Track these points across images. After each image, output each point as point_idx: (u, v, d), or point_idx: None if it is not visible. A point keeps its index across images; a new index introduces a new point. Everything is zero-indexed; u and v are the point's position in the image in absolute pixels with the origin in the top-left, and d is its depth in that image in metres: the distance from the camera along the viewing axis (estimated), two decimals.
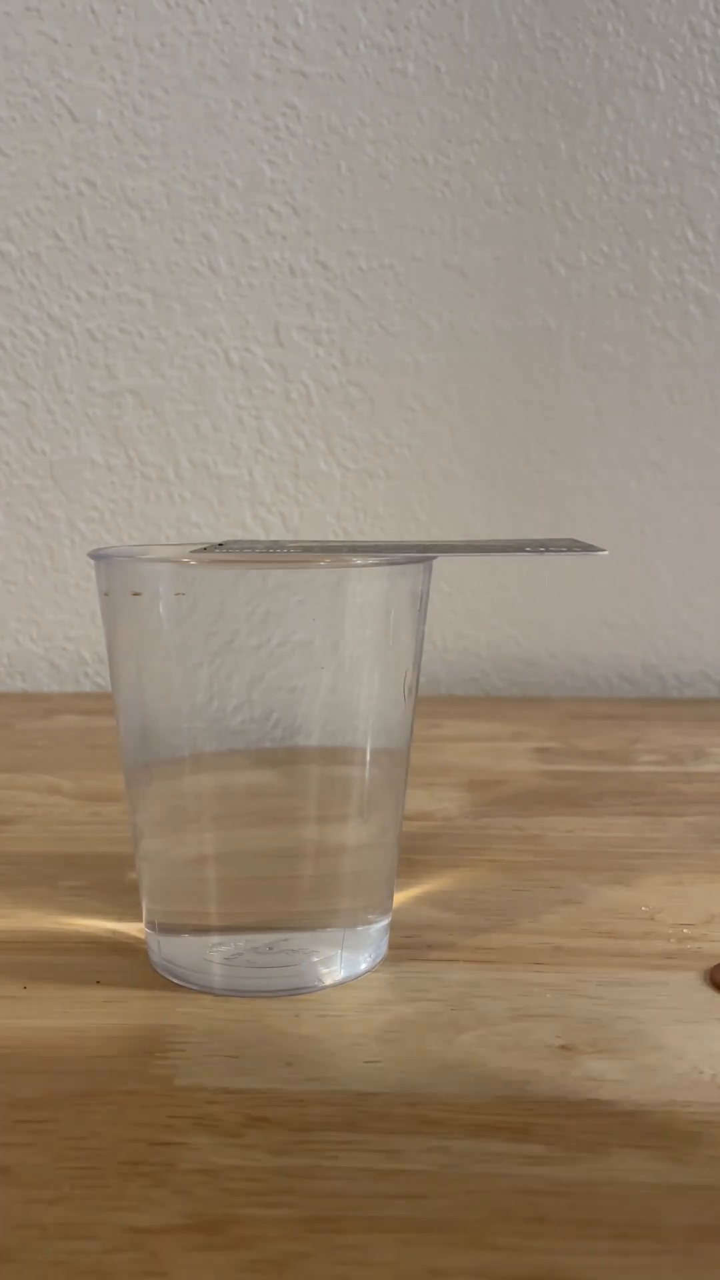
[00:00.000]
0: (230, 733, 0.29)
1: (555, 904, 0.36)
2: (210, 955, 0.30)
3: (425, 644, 0.31)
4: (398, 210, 0.69)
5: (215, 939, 0.30)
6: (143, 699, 0.30)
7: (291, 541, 0.32)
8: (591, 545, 0.30)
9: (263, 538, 0.72)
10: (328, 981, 0.30)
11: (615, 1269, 0.20)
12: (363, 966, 0.31)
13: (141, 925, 0.32)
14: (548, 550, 0.30)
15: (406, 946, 0.33)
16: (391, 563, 0.29)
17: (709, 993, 0.30)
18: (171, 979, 0.31)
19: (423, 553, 0.30)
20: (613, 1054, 0.27)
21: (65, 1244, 0.20)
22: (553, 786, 0.50)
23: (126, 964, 0.32)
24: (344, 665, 0.29)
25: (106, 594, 0.30)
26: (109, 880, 0.38)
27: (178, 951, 0.31)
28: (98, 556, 0.30)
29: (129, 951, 0.33)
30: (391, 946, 0.33)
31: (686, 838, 0.43)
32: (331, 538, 0.72)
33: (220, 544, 0.33)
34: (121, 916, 0.35)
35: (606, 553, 0.30)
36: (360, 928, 0.31)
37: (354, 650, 0.29)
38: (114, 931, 0.34)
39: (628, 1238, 0.21)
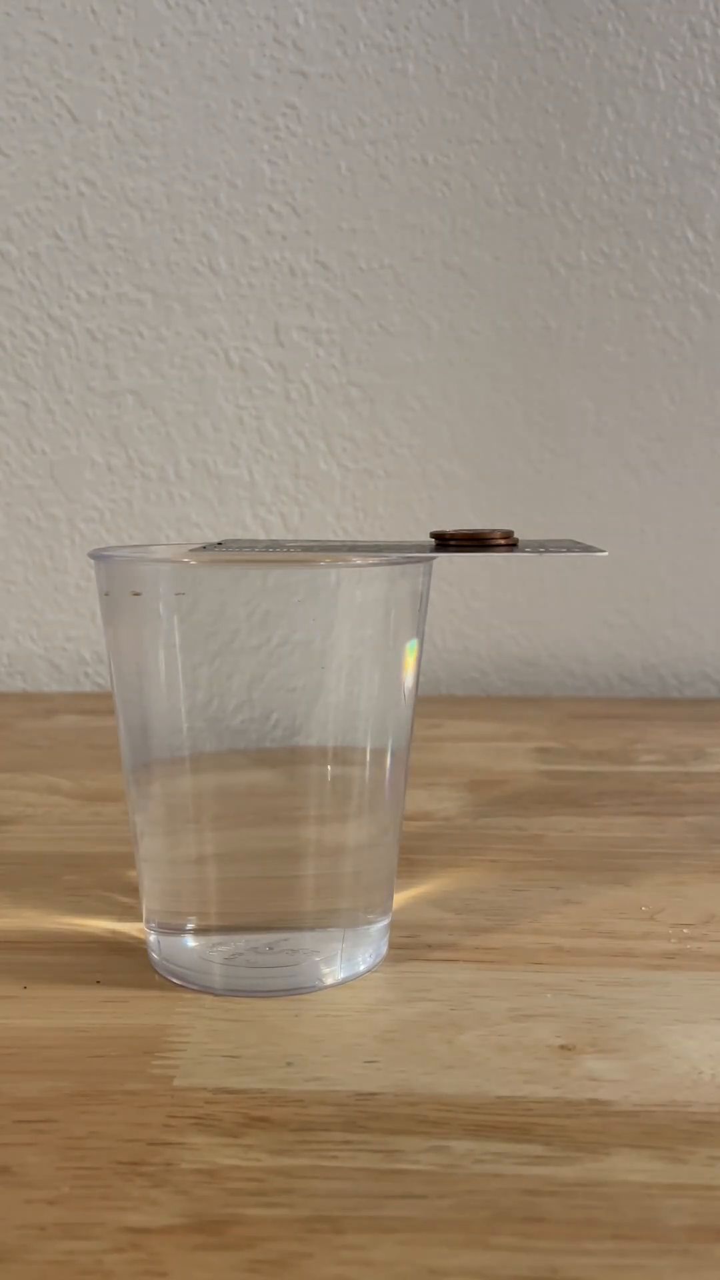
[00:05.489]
0: (230, 733, 0.29)
1: (555, 904, 0.36)
2: (210, 955, 0.30)
3: (425, 644, 0.31)
4: (398, 210, 0.69)
5: (215, 939, 0.30)
6: (143, 699, 0.30)
7: (291, 541, 0.32)
8: (591, 545, 0.30)
9: (263, 538, 0.72)
10: (328, 981, 0.30)
11: (615, 1269, 0.20)
12: (363, 966, 0.31)
13: (141, 925, 0.32)
14: (548, 550, 0.30)
15: (406, 946, 0.33)
16: (391, 563, 0.29)
17: (709, 992, 0.30)
18: (171, 979, 0.31)
19: (422, 552, 0.30)
20: (613, 1054, 0.27)
21: (65, 1244, 0.20)
22: (553, 786, 0.50)
23: (126, 964, 0.32)
24: (344, 665, 0.29)
25: (106, 594, 0.30)
26: (109, 880, 0.38)
27: (178, 951, 0.31)
28: (98, 556, 0.30)
29: (129, 951, 0.32)
30: (391, 946, 0.33)
31: (686, 838, 0.43)
32: (331, 538, 0.72)
33: (219, 543, 0.33)
34: (121, 916, 0.35)
35: (606, 553, 0.30)
36: (360, 928, 0.31)
37: (354, 650, 0.29)
38: (114, 931, 0.34)
39: (628, 1238, 0.21)
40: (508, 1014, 0.29)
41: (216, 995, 0.30)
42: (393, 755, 0.31)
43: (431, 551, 0.30)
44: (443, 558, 0.30)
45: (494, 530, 0.29)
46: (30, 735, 0.60)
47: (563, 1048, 0.27)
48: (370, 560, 0.30)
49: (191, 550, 0.32)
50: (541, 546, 0.30)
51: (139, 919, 0.33)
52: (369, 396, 0.71)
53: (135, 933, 0.33)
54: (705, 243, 0.69)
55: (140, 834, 0.31)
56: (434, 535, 0.30)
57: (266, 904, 0.30)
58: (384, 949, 0.32)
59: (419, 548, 0.30)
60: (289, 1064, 0.26)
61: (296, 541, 0.32)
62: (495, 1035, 0.28)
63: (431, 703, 0.69)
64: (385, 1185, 0.22)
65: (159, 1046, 0.27)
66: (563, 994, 0.30)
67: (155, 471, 0.72)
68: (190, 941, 0.31)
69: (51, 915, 0.35)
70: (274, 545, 0.33)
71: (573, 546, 0.30)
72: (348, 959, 0.31)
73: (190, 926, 0.31)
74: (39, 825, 0.44)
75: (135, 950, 0.33)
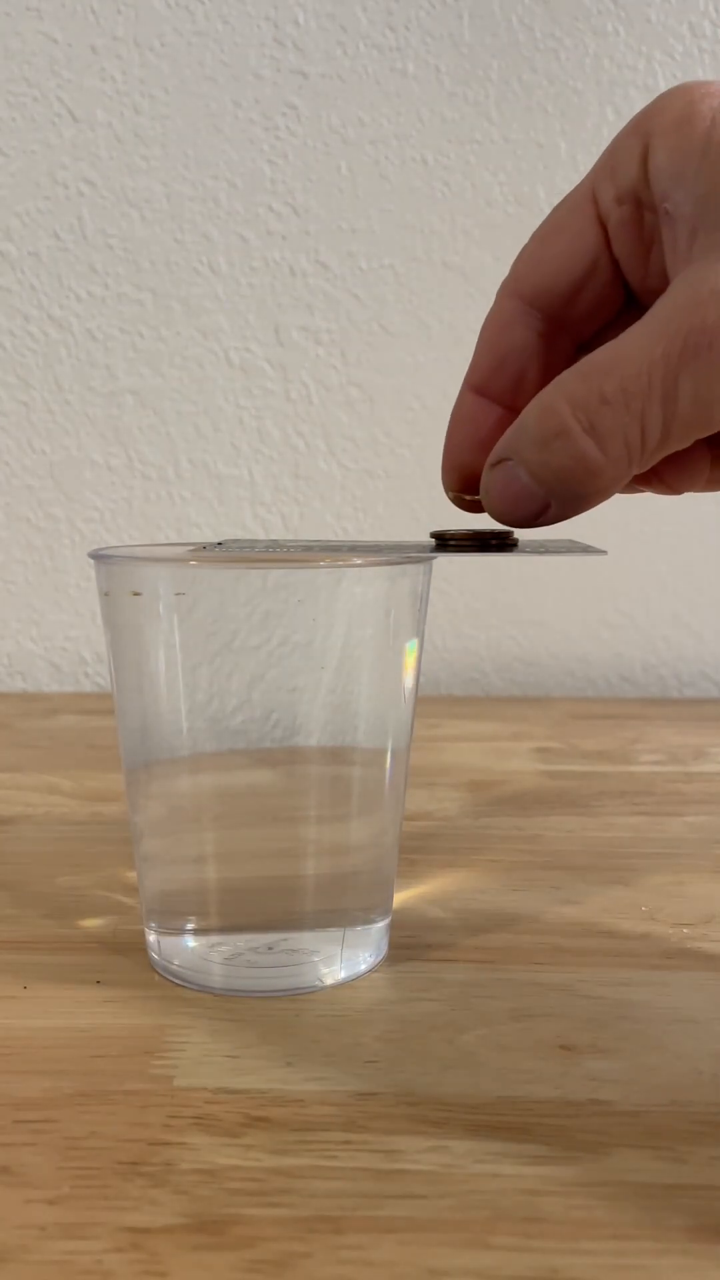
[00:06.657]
0: (230, 733, 0.29)
1: (555, 904, 0.36)
2: (210, 955, 0.30)
3: (425, 644, 0.31)
4: (398, 210, 0.69)
5: (215, 939, 0.30)
6: (143, 699, 0.30)
7: (291, 541, 0.32)
8: (591, 545, 0.30)
9: (263, 538, 0.72)
10: (328, 981, 0.30)
11: (615, 1269, 0.20)
12: (363, 966, 0.31)
13: (141, 925, 0.32)
14: (548, 550, 0.30)
15: (406, 946, 0.33)
16: (391, 563, 0.29)
17: (709, 992, 0.30)
18: (171, 979, 0.31)
19: (422, 553, 0.30)
20: (613, 1054, 0.27)
21: (65, 1244, 0.20)
22: (553, 786, 0.50)
23: (126, 964, 0.32)
24: (344, 665, 0.29)
25: (106, 594, 0.30)
26: (109, 880, 0.38)
27: (178, 951, 0.31)
28: (98, 556, 0.30)
29: (129, 951, 0.32)
30: (391, 946, 0.33)
31: (686, 838, 0.43)
32: (331, 538, 0.72)
33: (219, 543, 0.33)
34: (121, 916, 0.35)
35: (606, 553, 0.30)
36: (360, 928, 0.31)
37: (354, 650, 0.29)
38: (114, 931, 0.34)
39: (628, 1238, 0.21)
40: (508, 1014, 0.29)
41: (216, 995, 0.30)
42: (393, 755, 0.31)
43: (431, 551, 0.30)
44: (443, 558, 0.30)
45: (494, 530, 0.29)
46: (30, 735, 0.60)
47: (563, 1048, 0.27)
48: (370, 560, 0.30)
49: (191, 550, 0.32)
50: (541, 547, 0.30)
51: (139, 919, 0.33)
52: (369, 396, 0.71)
53: (135, 933, 0.33)
54: None
55: (140, 834, 0.31)
56: (434, 535, 0.30)
57: (266, 904, 0.30)
58: (384, 949, 0.32)
59: (419, 548, 0.30)
60: (289, 1064, 0.26)
61: (296, 541, 0.32)
62: (495, 1035, 0.28)
63: (431, 703, 0.69)
64: (385, 1185, 0.22)
65: (159, 1046, 0.27)
66: (563, 994, 0.30)
67: (155, 471, 0.72)
68: (190, 941, 0.31)
69: (51, 915, 0.35)
70: (274, 545, 0.33)
71: (573, 546, 0.30)
72: (348, 959, 0.31)
73: (190, 926, 0.31)
74: (39, 825, 0.44)
75: (135, 950, 0.33)
